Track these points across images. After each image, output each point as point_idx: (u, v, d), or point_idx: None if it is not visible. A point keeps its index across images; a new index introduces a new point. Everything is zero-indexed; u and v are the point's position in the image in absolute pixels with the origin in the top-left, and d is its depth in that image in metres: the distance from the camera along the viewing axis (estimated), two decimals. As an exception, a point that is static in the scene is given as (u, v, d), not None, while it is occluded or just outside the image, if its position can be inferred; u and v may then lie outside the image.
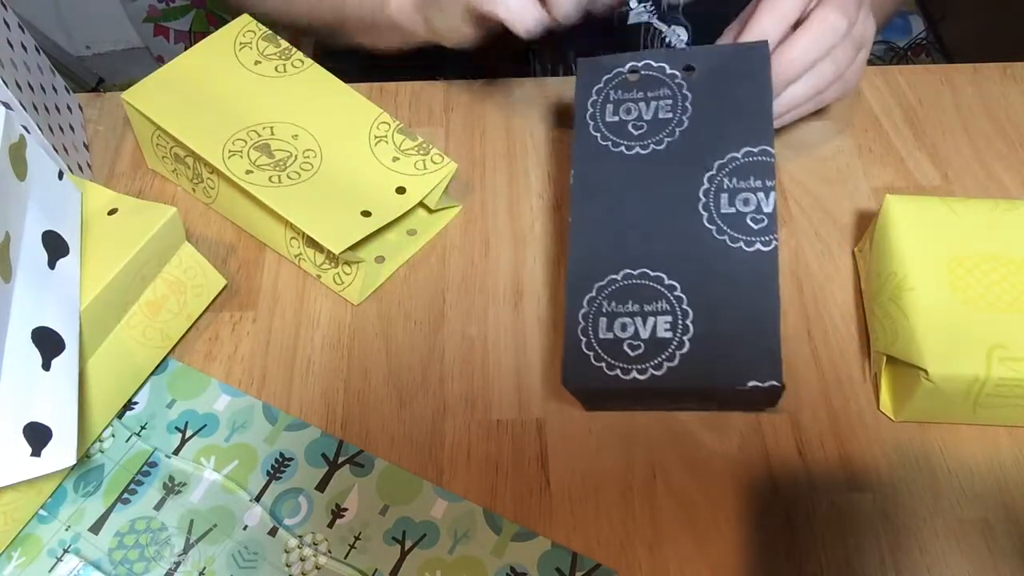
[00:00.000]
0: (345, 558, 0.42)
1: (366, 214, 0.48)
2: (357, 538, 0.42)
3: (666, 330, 0.41)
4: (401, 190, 0.50)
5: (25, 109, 0.48)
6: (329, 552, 0.42)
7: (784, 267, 0.52)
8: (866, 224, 0.52)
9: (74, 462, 0.37)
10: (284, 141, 0.50)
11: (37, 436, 0.37)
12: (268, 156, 0.49)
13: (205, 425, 0.46)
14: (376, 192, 0.49)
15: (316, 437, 0.46)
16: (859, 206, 0.55)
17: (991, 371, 0.41)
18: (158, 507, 0.43)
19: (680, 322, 0.41)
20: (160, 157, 0.54)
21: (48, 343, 0.39)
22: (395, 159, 0.51)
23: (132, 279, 0.45)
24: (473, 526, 0.43)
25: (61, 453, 0.37)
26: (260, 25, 0.55)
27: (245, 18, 0.55)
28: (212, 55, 0.53)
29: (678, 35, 0.64)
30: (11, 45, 0.50)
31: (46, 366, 0.39)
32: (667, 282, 0.42)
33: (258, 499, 0.44)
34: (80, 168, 0.54)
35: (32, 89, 0.51)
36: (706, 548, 0.42)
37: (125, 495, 0.44)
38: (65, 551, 0.42)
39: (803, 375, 0.48)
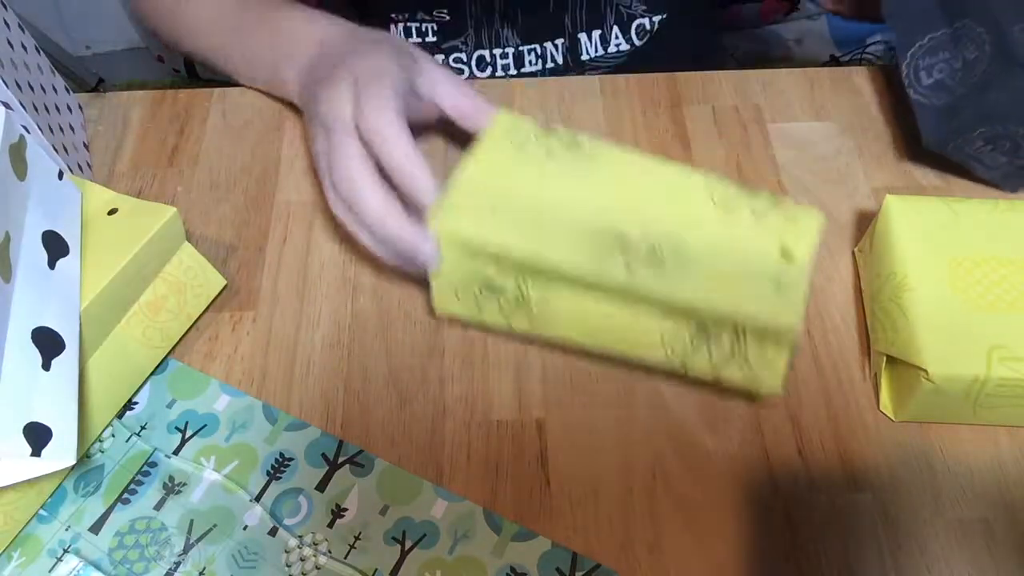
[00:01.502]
0: (345, 558, 0.42)
1: (778, 286, 0.42)
2: (357, 538, 0.42)
3: None
4: (786, 253, 0.44)
5: (25, 109, 0.48)
6: (329, 552, 0.42)
7: (784, 267, 0.52)
8: (866, 224, 0.52)
9: (74, 462, 0.37)
10: (632, 232, 0.43)
11: (37, 436, 0.37)
12: (630, 250, 0.43)
13: (205, 425, 0.46)
14: (763, 258, 0.43)
15: (316, 437, 0.46)
16: (859, 206, 0.55)
17: (991, 371, 0.41)
18: (158, 507, 0.43)
19: None
20: (460, 296, 0.46)
21: (48, 343, 0.39)
22: (757, 219, 0.45)
23: (132, 279, 0.45)
24: (473, 526, 0.43)
25: (61, 453, 0.37)
26: (524, 117, 0.48)
27: (505, 115, 0.48)
28: (494, 159, 0.46)
29: None
30: (11, 45, 0.50)
31: (46, 366, 0.39)
32: None
33: (258, 499, 0.44)
34: (80, 168, 0.54)
35: (32, 89, 0.51)
36: (706, 548, 0.42)
37: (125, 495, 0.44)
38: (65, 551, 0.42)
39: (803, 375, 0.48)
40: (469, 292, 0.45)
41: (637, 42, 0.70)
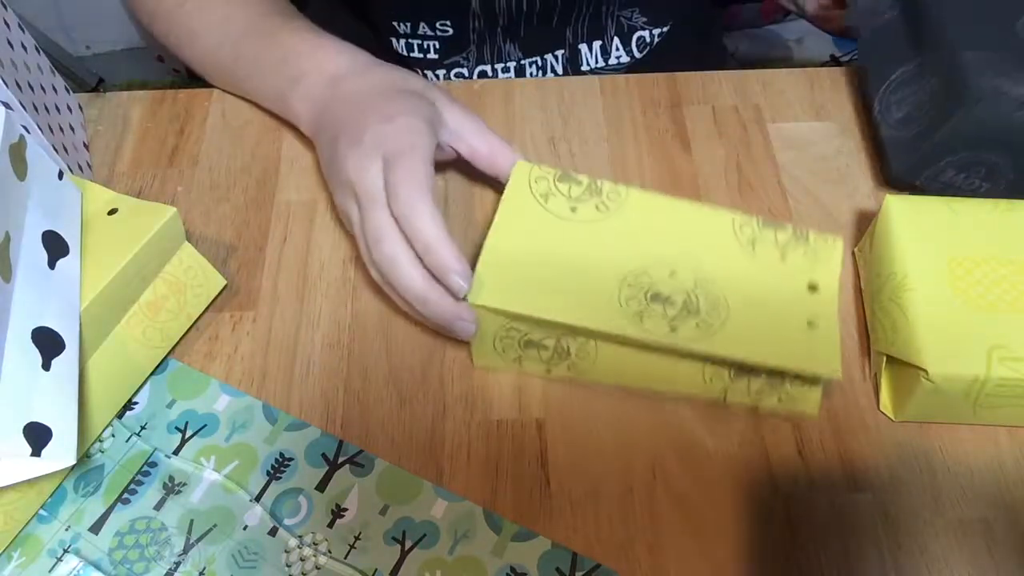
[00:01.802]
0: (345, 558, 0.42)
1: (811, 325, 0.44)
2: (357, 538, 0.42)
3: None
4: (813, 287, 0.46)
5: (25, 109, 0.48)
6: (329, 552, 0.42)
7: (784, 267, 0.52)
8: (866, 224, 0.52)
9: (74, 462, 0.37)
10: (666, 282, 0.45)
11: (37, 436, 0.37)
12: (667, 304, 0.44)
13: (205, 425, 0.46)
14: (794, 298, 0.45)
15: (316, 437, 0.46)
16: (859, 206, 0.55)
17: (991, 371, 0.41)
18: (158, 507, 0.43)
19: None
20: (501, 350, 0.46)
21: (48, 343, 0.39)
22: (783, 257, 0.46)
23: (132, 279, 0.45)
24: (473, 526, 0.43)
25: (61, 453, 0.37)
26: (543, 167, 0.48)
27: (524, 165, 0.48)
28: (521, 219, 0.46)
29: None
30: (11, 45, 0.50)
31: (46, 366, 0.39)
32: None
33: (258, 499, 0.44)
34: (80, 168, 0.54)
35: (32, 89, 0.51)
36: (706, 548, 0.42)
37: (125, 495, 0.44)
38: (65, 551, 0.42)
39: (803, 375, 0.48)
40: (510, 348, 0.46)
41: (637, 54, 0.70)
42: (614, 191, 0.47)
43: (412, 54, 0.68)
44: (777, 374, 0.45)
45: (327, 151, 0.51)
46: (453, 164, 0.54)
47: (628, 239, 0.46)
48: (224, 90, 0.61)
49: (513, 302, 0.43)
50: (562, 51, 0.69)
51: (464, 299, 0.44)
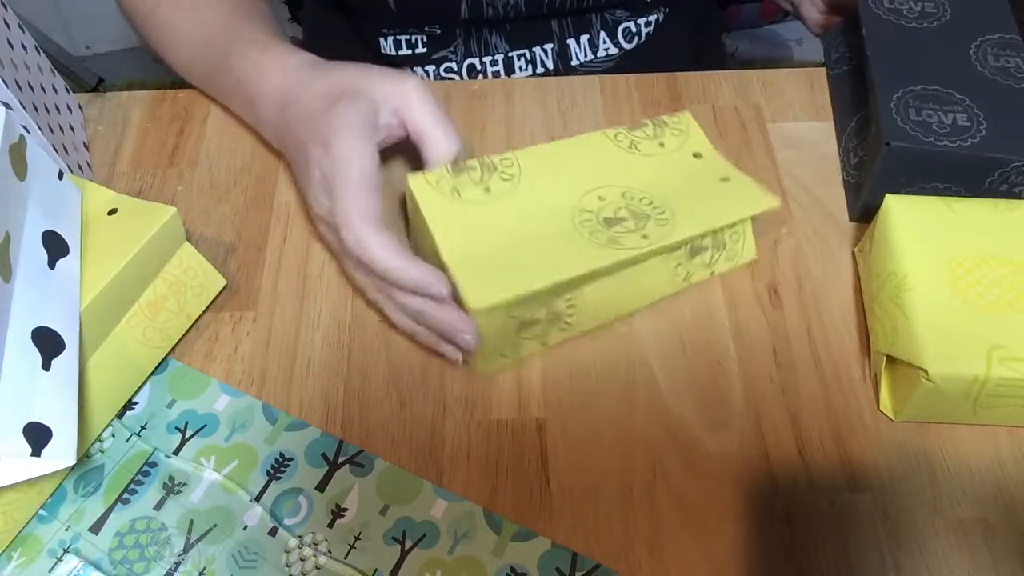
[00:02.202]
0: (345, 558, 0.42)
1: (724, 180, 0.51)
2: (357, 538, 0.42)
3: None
4: (697, 154, 0.52)
5: (25, 109, 0.48)
6: (329, 552, 0.42)
7: (784, 267, 0.52)
8: (866, 224, 0.52)
9: (74, 462, 0.37)
10: (606, 206, 0.48)
11: (37, 436, 0.37)
12: (623, 222, 0.47)
13: (205, 425, 0.46)
14: (694, 169, 0.51)
15: (316, 437, 0.46)
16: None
17: (991, 371, 0.41)
18: (158, 507, 0.43)
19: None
20: (502, 346, 0.47)
21: (48, 343, 0.39)
22: (662, 144, 0.52)
23: (132, 279, 0.45)
24: (473, 526, 0.43)
25: (61, 453, 0.37)
26: (428, 172, 0.47)
27: (415, 177, 0.47)
28: (452, 220, 0.46)
29: None
30: (11, 45, 0.50)
31: (46, 366, 0.39)
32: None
33: (258, 499, 0.44)
34: (80, 168, 0.54)
35: (32, 89, 0.51)
36: (706, 548, 0.42)
37: (125, 495, 0.44)
38: (65, 551, 0.42)
39: (803, 375, 0.48)
40: (508, 344, 0.47)
41: (626, 45, 0.70)
42: (504, 160, 0.49)
43: (400, 51, 0.69)
44: (719, 235, 0.50)
45: (295, 170, 0.53)
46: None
47: (547, 191, 0.48)
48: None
49: (510, 289, 0.43)
50: (551, 44, 0.69)
51: (456, 303, 0.44)
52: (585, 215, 0.47)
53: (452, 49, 0.69)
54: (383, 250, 0.43)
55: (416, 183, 0.46)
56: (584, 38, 0.69)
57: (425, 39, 0.68)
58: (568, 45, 0.69)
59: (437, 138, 0.47)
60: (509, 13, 0.66)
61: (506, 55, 0.69)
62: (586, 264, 0.45)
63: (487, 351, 0.46)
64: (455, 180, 0.47)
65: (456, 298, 0.43)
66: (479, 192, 0.47)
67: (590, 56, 0.70)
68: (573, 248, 0.45)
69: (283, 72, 0.52)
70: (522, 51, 0.69)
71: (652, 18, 0.70)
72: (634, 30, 0.70)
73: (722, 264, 0.51)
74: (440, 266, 0.44)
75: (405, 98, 0.47)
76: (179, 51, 0.60)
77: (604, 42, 0.69)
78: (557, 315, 0.47)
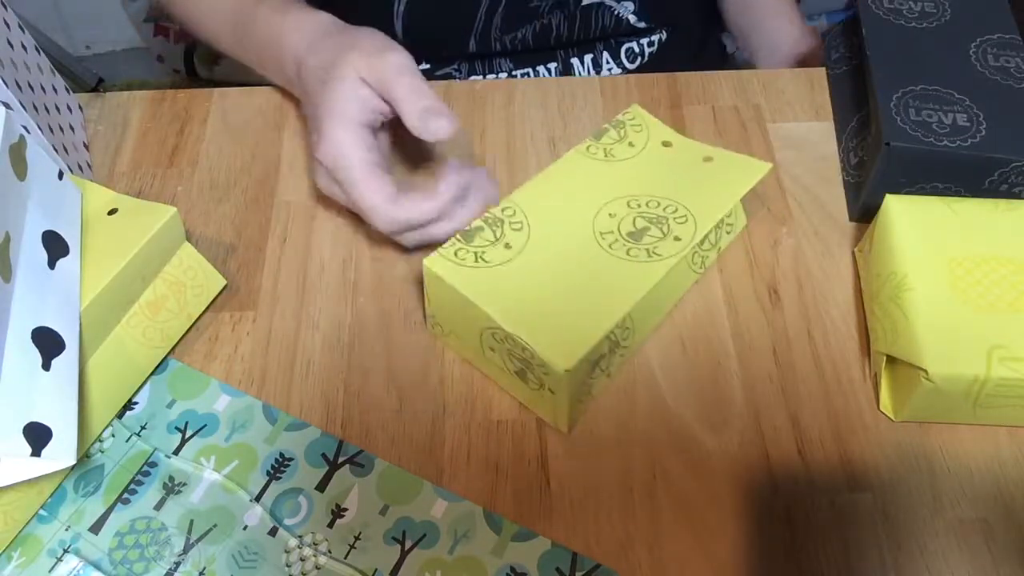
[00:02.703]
0: (345, 558, 0.42)
1: (707, 160, 0.52)
2: (357, 538, 0.42)
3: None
4: (667, 143, 0.53)
5: (25, 109, 0.48)
6: (329, 552, 0.42)
7: (784, 267, 0.52)
8: (866, 224, 0.52)
9: (74, 462, 0.37)
10: (622, 222, 0.48)
11: (37, 436, 0.37)
12: (648, 232, 0.47)
13: (205, 425, 0.46)
14: (674, 158, 0.52)
15: (316, 437, 0.46)
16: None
17: (991, 371, 0.41)
18: (158, 507, 0.43)
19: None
20: (580, 397, 0.45)
21: (48, 343, 0.39)
22: (631, 144, 0.52)
23: (132, 279, 0.45)
24: (473, 526, 0.43)
25: (61, 453, 0.37)
26: (441, 248, 0.46)
27: (433, 260, 0.45)
28: (489, 287, 0.44)
29: (626, 7, 0.67)
30: (11, 45, 0.50)
31: (46, 366, 0.39)
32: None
33: (258, 499, 0.44)
34: (80, 168, 0.54)
35: (32, 89, 0.51)
36: (706, 548, 0.42)
37: (125, 495, 0.44)
38: (65, 551, 0.42)
39: (803, 375, 0.48)
40: (585, 389, 0.45)
41: (629, 65, 0.70)
42: (506, 210, 0.48)
43: None
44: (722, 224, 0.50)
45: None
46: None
47: (560, 227, 0.47)
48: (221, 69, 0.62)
49: (588, 337, 0.42)
50: (555, 64, 0.69)
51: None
52: (609, 237, 0.47)
53: (456, 67, 0.69)
54: (417, 213, 0.47)
55: (436, 265, 0.45)
56: (588, 58, 0.69)
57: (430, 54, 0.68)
58: (572, 64, 0.69)
59: (411, 102, 0.47)
60: (517, 46, 0.67)
61: (510, 73, 0.69)
62: (645, 284, 0.45)
63: (572, 406, 0.44)
64: (471, 247, 0.46)
65: (532, 364, 0.42)
66: (501, 251, 0.46)
67: (593, 74, 0.70)
68: (622, 274, 0.45)
69: (299, 35, 0.53)
70: (526, 70, 0.69)
71: (655, 38, 0.70)
72: (637, 50, 0.70)
73: (725, 240, 0.52)
74: (480, 341, 0.45)
75: (382, 72, 0.48)
76: (208, 21, 0.61)
77: (607, 62, 0.70)
78: (616, 343, 0.45)
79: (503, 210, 0.48)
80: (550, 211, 0.48)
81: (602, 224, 0.48)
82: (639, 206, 0.48)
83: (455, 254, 0.45)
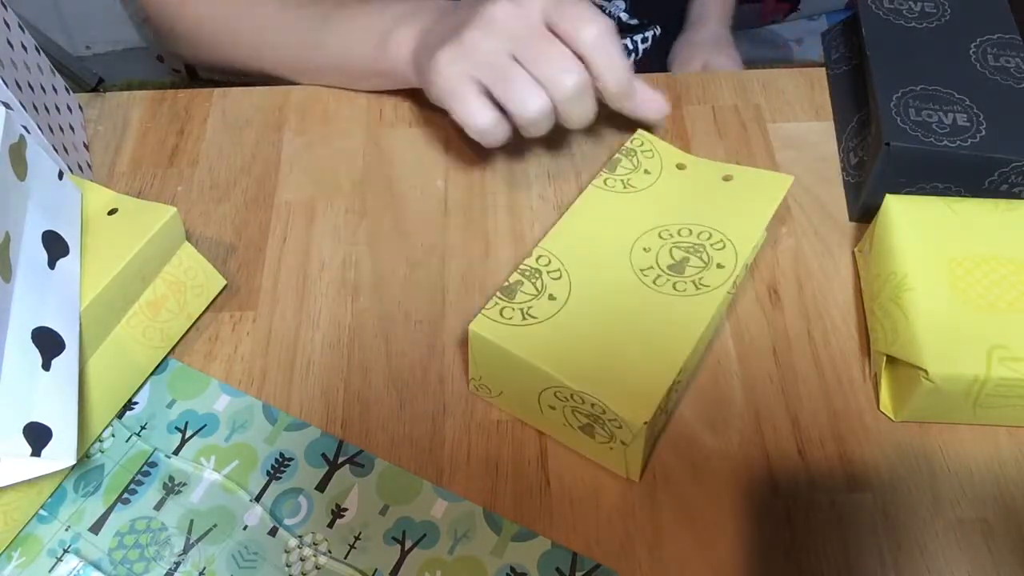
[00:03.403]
0: (345, 558, 0.42)
1: (726, 179, 0.51)
2: (357, 538, 0.42)
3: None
4: (680, 166, 0.53)
5: (25, 109, 0.48)
6: (329, 552, 0.42)
7: (784, 267, 0.52)
8: (866, 224, 0.52)
9: (74, 462, 0.37)
10: (661, 256, 0.47)
11: (37, 436, 0.37)
12: (687, 263, 0.46)
13: (205, 425, 0.46)
14: (687, 182, 0.51)
15: (316, 437, 0.46)
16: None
17: (991, 371, 0.41)
18: (158, 507, 0.43)
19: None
20: (652, 441, 0.44)
21: (48, 343, 0.39)
22: (647, 171, 0.52)
23: (132, 279, 0.45)
24: (473, 526, 0.43)
25: (61, 453, 0.37)
26: (483, 312, 0.43)
27: (479, 323, 0.43)
28: (542, 344, 0.42)
29: (618, 6, 0.67)
30: (11, 45, 0.50)
31: (46, 366, 0.39)
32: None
33: (258, 499, 0.44)
34: (80, 168, 0.54)
35: (32, 89, 0.51)
36: (706, 548, 0.42)
37: (125, 495, 0.44)
38: (65, 551, 0.42)
39: (803, 375, 0.48)
40: (656, 434, 0.45)
41: None
42: (540, 259, 0.46)
43: None
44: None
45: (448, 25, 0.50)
46: (452, 164, 0.54)
47: (600, 270, 0.46)
48: (221, 72, 0.61)
49: (658, 386, 0.41)
50: None
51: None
52: (651, 273, 0.46)
53: None
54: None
55: (483, 328, 0.43)
56: None
57: None
58: None
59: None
60: None
61: None
62: (701, 319, 0.44)
63: (646, 453, 0.43)
64: (515, 303, 0.44)
65: (603, 419, 0.41)
66: (546, 303, 0.44)
67: None
68: (674, 311, 0.44)
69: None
70: None
71: (648, 34, 0.70)
72: (631, 47, 0.70)
73: (752, 257, 0.50)
74: (539, 401, 0.43)
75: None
76: (261, 38, 0.60)
77: None
78: (679, 382, 0.44)
79: (537, 259, 0.46)
80: (584, 254, 0.46)
81: (639, 260, 0.46)
82: (671, 236, 0.48)
83: (500, 313, 0.43)
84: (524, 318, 0.43)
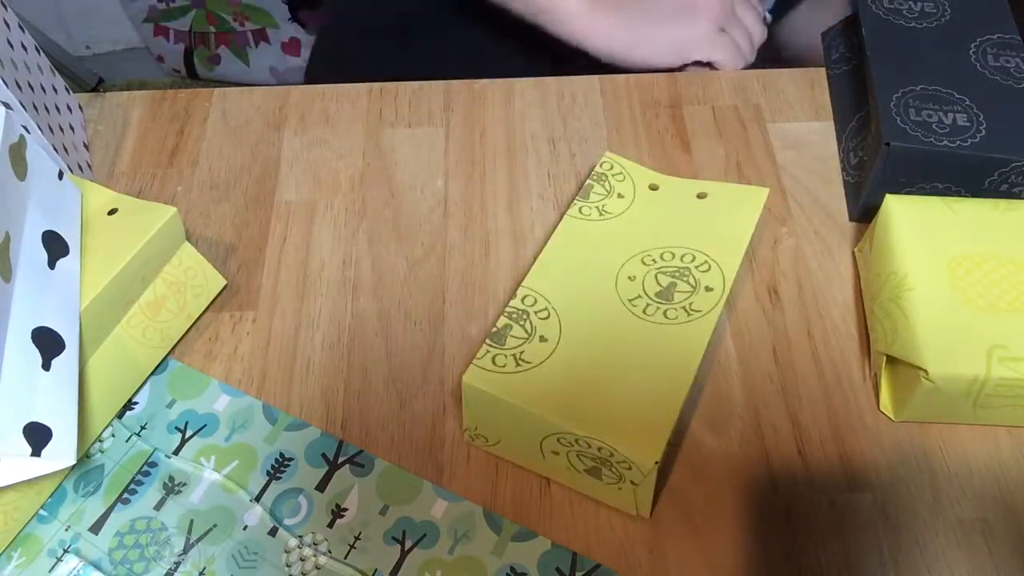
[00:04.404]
0: (345, 558, 0.42)
1: (700, 196, 0.51)
2: (357, 538, 0.42)
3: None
4: (653, 187, 0.52)
5: (25, 109, 0.48)
6: (329, 552, 0.42)
7: (784, 267, 0.52)
8: (866, 224, 0.52)
9: (74, 462, 0.37)
10: (646, 283, 0.46)
11: (37, 436, 0.37)
12: (675, 288, 0.45)
13: (205, 425, 0.46)
14: (662, 203, 0.51)
15: (316, 437, 0.46)
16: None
17: (991, 371, 0.41)
18: (158, 507, 0.43)
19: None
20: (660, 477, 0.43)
21: (48, 343, 0.39)
22: (620, 195, 0.51)
23: (132, 279, 0.45)
24: (473, 526, 0.43)
25: (61, 453, 0.37)
26: (472, 365, 0.42)
27: (471, 373, 0.42)
28: (538, 387, 0.41)
29: None
30: (11, 45, 0.50)
31: (46, 366, 0.39)
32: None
33: (258, 499, 0.44)
34: (80, 168, 0.54)
35: (32, 89, 0.51)
36: (706, 548, 0.42)
37: (125, 495, 0.44)
38: (65, 551, 0.42)
39: (803, 375, 0.48)
40: (663, 474, 0.44)
41: None
42: (526, 299, 0.45)
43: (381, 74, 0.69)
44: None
45: None
46: (452, 165, 0.54)
47: (586, 304, 0.45)
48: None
49: (663, 423, 0.40)
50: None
51: None
52: (640, 303, 0.45)
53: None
54: None
55: (476, 379, 0.41)
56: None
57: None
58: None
59: None
60: None
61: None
62: (697, 348, 0.43)
63: (654, 491, 0.41)
64: (506, 350, 0.43)
65: (611, 461, 0.40)
66: (537, 346, 0.43)
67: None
68: (668, 341, 0.43)
69: None
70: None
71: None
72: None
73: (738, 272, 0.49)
74: (540, 447, 0.42)
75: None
76: None
77: None
78: (681, 413, 0.42)
79: (523, 299, 0.45)
80: (570, 289, 0.45)
81: (626, 290, 0.46)
82: (655, 261, 0.47)
83: (493, 361, 0.42)
84: (518, 364, 0.42)
